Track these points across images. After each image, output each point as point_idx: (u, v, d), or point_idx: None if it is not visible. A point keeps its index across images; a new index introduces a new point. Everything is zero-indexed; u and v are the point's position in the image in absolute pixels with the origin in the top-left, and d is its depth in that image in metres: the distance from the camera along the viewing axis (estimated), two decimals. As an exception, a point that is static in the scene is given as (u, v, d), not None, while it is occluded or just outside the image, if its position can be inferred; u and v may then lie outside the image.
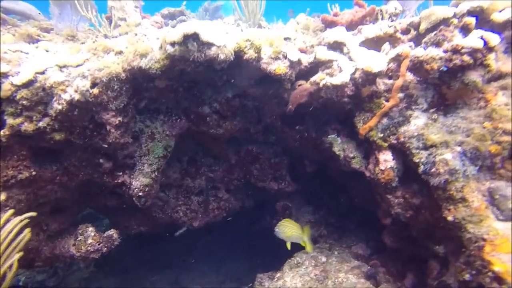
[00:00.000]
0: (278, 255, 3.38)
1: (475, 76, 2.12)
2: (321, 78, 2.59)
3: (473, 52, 2.07)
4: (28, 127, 2.38)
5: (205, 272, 4.90)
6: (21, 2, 4.45)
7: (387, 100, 2.59)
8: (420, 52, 2.32)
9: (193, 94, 2.84)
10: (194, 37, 2.10)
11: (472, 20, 2.39)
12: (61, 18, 4.06)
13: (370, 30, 2.80)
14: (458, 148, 2.13)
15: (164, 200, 3.79)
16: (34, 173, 2.62)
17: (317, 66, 2.78)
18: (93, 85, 2.32)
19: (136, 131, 2.84)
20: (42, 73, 2.33)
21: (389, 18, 3.18)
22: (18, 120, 2.36)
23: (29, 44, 3.13)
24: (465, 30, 2.42)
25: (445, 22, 2.58)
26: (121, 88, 2.42)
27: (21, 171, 2.55)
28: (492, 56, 2.06)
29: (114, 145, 2.67)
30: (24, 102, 2.30)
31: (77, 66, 2.51)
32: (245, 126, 3.37)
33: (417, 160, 2.28)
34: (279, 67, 2.63)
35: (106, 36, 3.55)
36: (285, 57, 2.66)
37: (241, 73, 2.73)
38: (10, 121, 2.36)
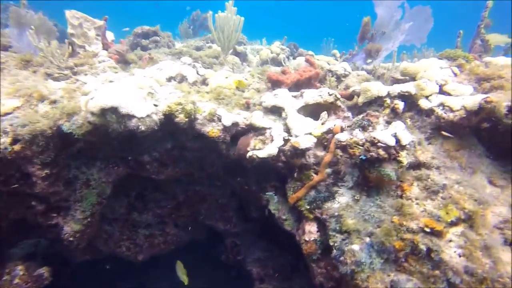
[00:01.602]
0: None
1: (389, 169, 2.15)
2: (254, 144, 2.60)
3: (387, 148, 2.10)
4: None
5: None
6: None
7: (316, 173, 2.61)
8: (343, 137, 2.34)
9: (129, 146, 2.83)
10: (113, 110, 2.09)
11: (400, 105, 2.43)
12: (20, 39, 4.02)
13: (311, 96, 2.82)
14: (367, 239, 2.16)
15: (109, 233, 3.78)
16: (-43, 216, 2.60)
17: (253, 128, 2.79)
18: (14, 141, 2.30)
19: (70, 177, 2.83)
20: (-36, 125, 2.30)
21: (336, 80, 3.20)
22: None
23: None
24: (394, 113, 2.45)
25: (379, 99, 2.61)
26: (47, 144, 2.41)
27: None
28: (403, 153, 2.10)
29: (43, 193, 2.65)
30: None
31: (6, 114, 2.49)
32: (188, 171, 3.37)
33: (331, 243, 2.31)
34: (213, 130, 2.64)
35: (58, 67, 3.52)
36: (220, 120, 2.67)
37: (177, 129, 2.73)
38: None
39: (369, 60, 4.98)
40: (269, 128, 2.63)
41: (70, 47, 3.70)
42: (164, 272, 4.83)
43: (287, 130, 2.70)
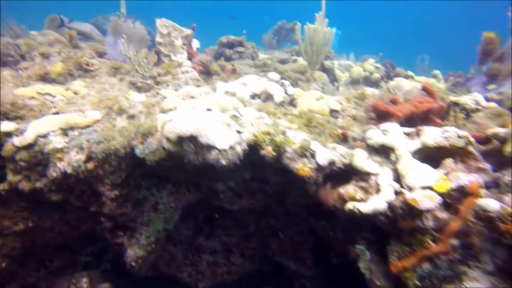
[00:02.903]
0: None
1: None
2: (349, 195, 2.05)
3: None
4: (25, 186, 2.28)
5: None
6: (86, 24, 4.62)
7: (435, 241, 1.95)
8: (491, 205, 1.66)
9: (204, 172, 2.51)
10: (191, 138, 1.75)
11: None
12: (114, 47, 4.07)
13: (431, 137, 2.16)
14: None
15: (172, 254, 3.55)
16: (31, 224, 2.55)
17: (352, 170, 2.23)
18: (88, 159, 2.12)
19: (139, 198, 2.60)
20: (44, 136, 2.19)
21: (465, 116, 2.48)
22: (17, 178, 2.26)
23: (65, 83, 3.12)
24: None
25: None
26: (120, 164, 2.19)
27: (17, 222, 2.49)
28: None
29: (111, 213, 2.46)
30: (22, 164, 2.18)
31: (85, 127, 2.35)
32: (264, 204, 2.95)
33: None
34: (303, 168, 2.15)
35: (143, 76, 3.41)
36: (313, 156, 2.17)
37: (259, 160, 2.31)
38: (10, 177, 2.27)
39: (491, 86, 4.05)
40: (375, 174, 2.05)
41: (156, 56, 3.59)
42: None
43: (397, 178, 2.09)
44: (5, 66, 3.66)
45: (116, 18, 4.11)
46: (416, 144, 2.18)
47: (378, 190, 1.99)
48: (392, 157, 2.17)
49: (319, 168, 2.16)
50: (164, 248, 3.34)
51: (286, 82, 3.30)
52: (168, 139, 1.81)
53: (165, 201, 2.64)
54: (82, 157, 2.10)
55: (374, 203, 1.89)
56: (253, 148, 2.13)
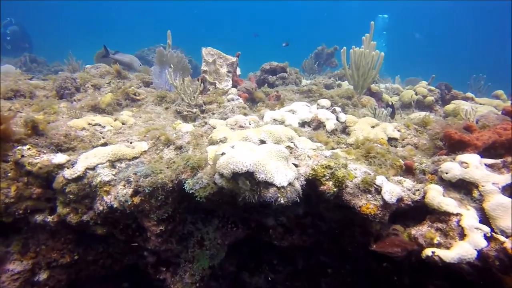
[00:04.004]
0: None
1: None
2: (428, 237, 1.75)
3: None
4: (72, 218, 2.22)
5: None
6: (128, 55, 4.79)
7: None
8: None
9: (253, 206, 2.32)
10: (248, 175, 1.58)
11: None
12: (160, 76, 4.13)
13: (525, 170, 1.83)
14: None
15: (215, 291, 3.33)
16: (76, 257, 2.48)
17: (425, 208, 1.94)
18: (135, 193, 2.02)
19: (184, 233, 2.46)
20: (93, 168, 2.15)
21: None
22: (66, 210, 2.22)
23: (115, 112, 3.15)
24: None
25: None
26: (166, 198, 2.07)
27: (64, 255, 2.43)
28: None
29: (155, 249, 2.33)
30: (71, 196, 2.14)
31: (133, 159, 2.28)
32: (317, 241, 2.68)
33: None
34: (368, 206, 1.89)
35: (188, 104, 3.38)
36: (378, 192, 1.91)
37: (315, 196, 2.09)
38: (59, 209, 2.24)
39: None
40: (457, 215, 1.74)
41: (202, 84, 3.57)
42: None
43: (485, 219, 1.76)
44: (63, 99, 3.83)
45: (162, 49, 4.20)
46: (506, 179, 1.85)
47: (462, 235, 1.68)
48: (475, 194, 1.85)
49: (385, 205, 1.89)
50: (206, 285, 3.14)
51: (338, 109, 3.09)
52: (221, 175, 1.66)
53: (212, 236, 2.47)
54: (129, 191, 2.01)
55: (460, 251, 1.58)
56: (312, 183, 1.92)
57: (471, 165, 1.90)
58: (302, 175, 1.87)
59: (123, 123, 2.93)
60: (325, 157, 1.94)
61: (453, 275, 2.12)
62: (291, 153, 2.06)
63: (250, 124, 2.52)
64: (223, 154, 1.69)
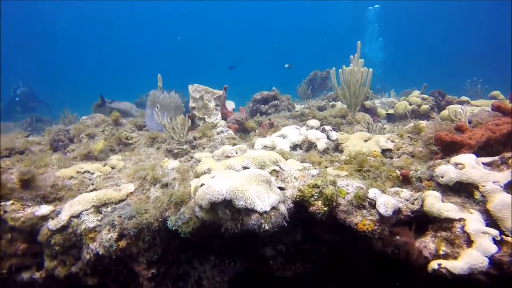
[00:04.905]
0: None
1: None
2: (432, 250, 1.61)
3: None
4: (60, 272, 2.12)
5: None
6: (125, 103, 4.88)
7: None
8: None
9: (246, 239, 2.20)
10: (225, 203, 1.50)
11: None
12: (152, 118, 4.16)
13: (525, 164, 1.71)
14: None
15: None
16: (69, 314, 2.34)
17: (426, 217, 1.80)
18: (120, 237, 1.93)
19: (180, 274, 2.33)
20: (77, 216, 2.08)
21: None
22: (53, 263, 2.13)
23: (104, 159, 3.14)
24: None
25: None
26: (154, 238, 1.97)
27: (55, 313, 2.29)
28: None
29: (150, 295, 2.19)
30: (57, 248, 2.06)
31: (120, 201, 2.22)
32: (322, 266, 2.51)
33: None
34: (364, 222, 1.77)
35: (179, 142, 3.35)
36: (373, 206, 1.80)
37: (309, 218, 1.98)
38: (46, 263, 2.15)
39: None
40: (460, 220, 1.61)
41: (190, 120, 3.57)
42: None
43: (491, 221, 1.63)
44: (57, 151, 3.86)
45: (154, 91, 4.28)
46: (506, 176, 1.73)
47: (469, 241, 1.53)
48: (477, 195, 1.72)
49: (382, 219, 1.76)
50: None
51: (328, 127, 3.03)
52: (200, 207, 1.58)
53: (209, 275, 2.33)
54: (114, 235, 1.92)
55: (469, 260, 1.43)
56: (301, 205, 1.82)
57: (467, 166, 1.78)
58: (288, 198, 1.77)
59: (112, 168, 2.89)
60: (312, 176, 1.85)
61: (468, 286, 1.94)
62: (277, 176, 1.98)
63: (236, 153, 2.46)
64: (202, 185, 1.62)
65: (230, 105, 4.89)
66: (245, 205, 1.49)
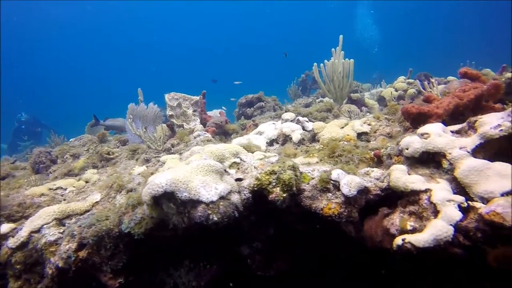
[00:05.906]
0: None
1: None
2: (399, 227, 1.49)
3: None
4: (27, 292, 2.03)
5: None
6: (118, 119, 4.87)
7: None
8: None
9: (218, 237, 2.10)
10: (167, 196, 1.41)
11: None
12: (130, 131, 4.12)
13: (494, 123, 1.60)
14: None
15: None
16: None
17: (395, 193, 1.69)
18: (80, 247, 1.85)
19: (156, 282, 2.22)
20: (38, 231, 2.01)
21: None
22: (17, 284, 2.04)
23: (79, 174, 3.08)
24: None
25: None
26: (116, 245, 1.88)
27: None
28: None
29: (124, 307, 2.08)
30: (19, 266, 1.97)
31: (84, 212, 2.14)
32: (306, 261, 2.38)
33: None
34: (329, 206, 1.66)
35: (156, 151, 3.29)
36: (338, 189, 1.69)
37: (276, 208, 1.87)
38: (11, 284, 2.06)
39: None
40: (426, 191, 1.49)
41: (169, 129, 3.51)
42: None
43: (460, 189, 1.51)
44: (38, 173, 3.82)
45: (132, 104, 4.24)
46: (474, 140, 1.61)
47: (436, 212, 1.41)
48: (445, 164, 1.61)
49: (348, 201, 1.65)
50: None
51: (303, 119, 2.94)
52: (146, 204, 1.49)
53: (185, 280, 2.21)
54: (72, 245, 1.84)
55: (434, 231, 1.31)
56: (261, 194, 1.72)
57: (433, 134, 1.67)
58: (245, 188, 1.67)
59: (86, 182, 2.83)
60: (271, 163, 1.75)
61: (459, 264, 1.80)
62: (238, 168, 1.88)
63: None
64: (148, 183, 1.54)
65: (222, 111, 4.85)
66: (189, 197, 1.40)
